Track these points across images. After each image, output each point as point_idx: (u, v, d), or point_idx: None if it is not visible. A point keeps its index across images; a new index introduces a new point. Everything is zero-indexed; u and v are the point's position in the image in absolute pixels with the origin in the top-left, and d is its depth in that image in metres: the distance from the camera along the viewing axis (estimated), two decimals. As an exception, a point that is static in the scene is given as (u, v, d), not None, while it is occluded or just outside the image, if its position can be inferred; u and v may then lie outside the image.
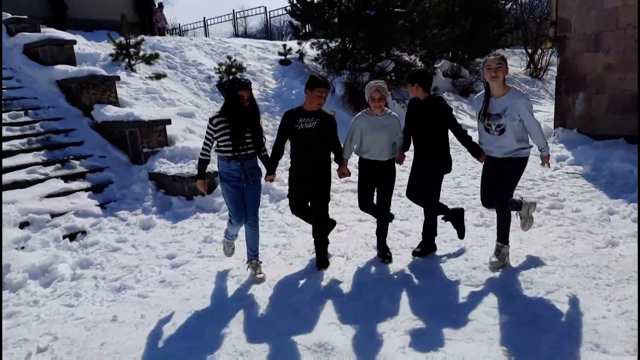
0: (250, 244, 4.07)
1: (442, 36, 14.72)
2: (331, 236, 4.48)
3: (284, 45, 13.54)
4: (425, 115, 4.04)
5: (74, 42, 8.38)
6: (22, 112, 6.93)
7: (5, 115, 6.69)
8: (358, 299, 3.59)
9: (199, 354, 2.98)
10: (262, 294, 3.77)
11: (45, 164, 6.07)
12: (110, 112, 6.86)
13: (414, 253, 4.29)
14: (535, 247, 4.33)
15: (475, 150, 3.98)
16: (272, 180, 4.19)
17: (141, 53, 9.95)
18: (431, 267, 4.09)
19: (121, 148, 6.82)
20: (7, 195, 5.29)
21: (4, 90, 7.32)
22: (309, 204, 4.23)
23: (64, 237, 5.01)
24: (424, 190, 4.19)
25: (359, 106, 11.32)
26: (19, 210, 5.09)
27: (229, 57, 11.71)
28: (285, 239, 4.97)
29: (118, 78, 7.71)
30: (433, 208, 4.23)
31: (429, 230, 4.29)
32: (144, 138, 6.53)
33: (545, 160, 3.92)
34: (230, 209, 3.98)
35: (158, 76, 9.94)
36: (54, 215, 5.27)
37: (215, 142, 3.87)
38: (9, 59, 8.21)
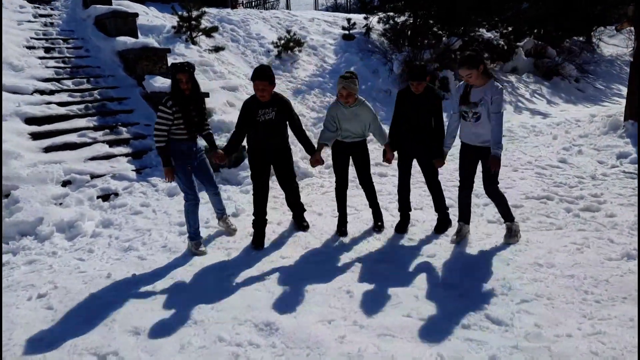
0: (217, 206, 4.67)
1: (533, 11, 13.55)
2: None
3: (348, 20, 13.32)
4: (420, 106, 4.23)
5: (136, 14, 8.93)
6: (85, 80, 7.62)
7: (69, 82, 7.41)
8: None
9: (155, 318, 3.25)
10: (253, 270, 3.97)
11: (95, 128, 6.68)
12: (157, 82, 7.31)
13: (436, 230, 4.60)
14: (539, 252, 4.06)
15: (439, 151, 4.27)
16: (219, 158, 4.27)
17: (202, 26, 10.37)
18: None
19: (165, 117, 7.28)
20: (56, 155, 5.94)
21: (73, 59, 8.09)
22: (278, 181, 4.64)
23: (98, 197, 5.56)
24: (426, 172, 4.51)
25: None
26: (63, 169, 5.70)
27: (288, 31, 11.82)
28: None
29: (169, 50, 8.16)
30: (437, 182, 4.53)
31: (441, 206, 4.59)
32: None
33: (492, 161, 3.84)
34: (186, 188, 4.26)
35: (217, 49, 10.33)
36: (93, 176, 5.84)
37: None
38: (82, 29, 9.00)
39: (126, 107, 7.36)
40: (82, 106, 7.03)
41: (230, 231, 4.68)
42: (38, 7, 9.46)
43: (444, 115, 4.39)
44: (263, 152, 4.31)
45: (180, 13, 10.05)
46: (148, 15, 10.83)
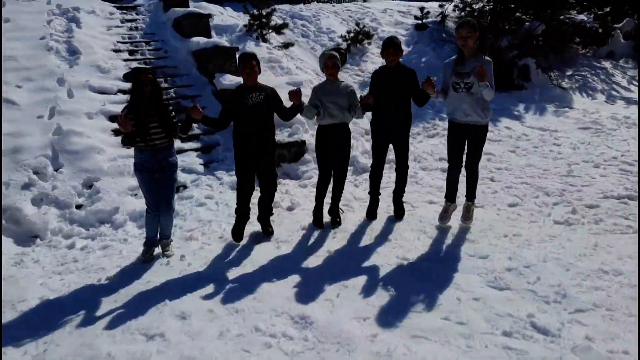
0: (162, 228, 4.30)
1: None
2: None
3: (422, 9, 12.91)
4: (396, 81, 4.39)
5: (210, 15, 9.41)
6: (163, 79, 8.19)
7: (149, 82, 8.01)
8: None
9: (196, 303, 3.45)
10: (285, 261, 4.07)
11: (169, 125, 7.16)
12: (226, 80, 7.66)
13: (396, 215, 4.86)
14: (607, 257, 3.71)
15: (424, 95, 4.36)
16: (194, 111, 4.01)
17: (272, 23, 10.64)
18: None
19: (232, 114, 7.63)
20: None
21: (153, 60, 8.73)
22: (257, 176, 4.52)
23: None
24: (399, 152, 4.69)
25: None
26: (110, 157, 6.17)
27: (358, 24, 11.75)
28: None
29: (237, 49, 8.49)
30: (406, 166, 4.81)
31: (401, 192, 4.92)
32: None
33: (479, 70, 3.79)
34: (147, 197, 4.09)
35: (286, 45, 10.57)
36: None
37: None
38: (162, 31, 9.66)
39: (199, 104, 7.78)
40: (158, 104, 7.55)
41: (165, 255, 4.29)
42: (125, 13, 10.30)
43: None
44: (249, 140, 4.22)
45: (251, 12, 10.40)
46: (223, 15, 11.33)
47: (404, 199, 5.02)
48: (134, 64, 8.41)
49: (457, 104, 4.15)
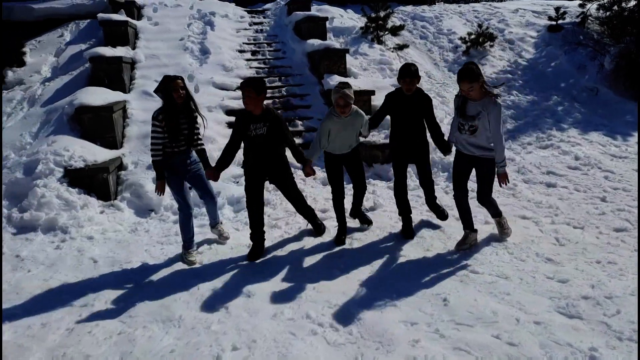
0: (211, 215, 4.63)
1: None
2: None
3: (557, 9, 11.85)
4: (411, 108, 4.36)
5: (327, 18, 9.80)
6: (277, 78, 8.81)
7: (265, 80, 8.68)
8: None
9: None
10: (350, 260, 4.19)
11: (277, 121, 7.71)
12: (333, 81, 7.95)
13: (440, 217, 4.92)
14: (633, 285, 3.16)
15: (446, 147, 4.43)
16: (211, 177, 4.18)
17: (389, 25, 10.70)
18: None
19: (336, 113, 7.92)
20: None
21: (271, 60, 9.41)
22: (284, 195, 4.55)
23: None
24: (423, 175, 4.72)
25: (635, 84, 9.17)
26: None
27: (480, 25, 11.22)
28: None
29: (347, 51, 8.73)
30: (432, 181, 4.80)
31: (433, 198, 4.89)
32: (350, 106, 7.38)
33: (501, 178, 4.06)
34: (179, 199, 4.21)
35: (401, 47, 10.55)
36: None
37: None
38: (284, 34, 10.34)
39: (306, 103, 8.24)
40: (270, 101, 8.16)
41: (222, 239, 4.63)
42: (254, 17, 11.22)
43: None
44: (257, 167, 4.20)
45: (368, 14, 10.58)
46: (343, 18, 11.69)
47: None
48: (255, 64, 9.17)
49: (460, 141, 4.12)
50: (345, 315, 3.28)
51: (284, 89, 8.54)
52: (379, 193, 5.95)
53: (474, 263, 4.00)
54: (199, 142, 4.31)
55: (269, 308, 3.42)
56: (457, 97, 4.10)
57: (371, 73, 9.09)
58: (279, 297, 3.57)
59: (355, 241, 4.62)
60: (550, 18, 11.96)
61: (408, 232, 4.66)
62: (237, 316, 3.33)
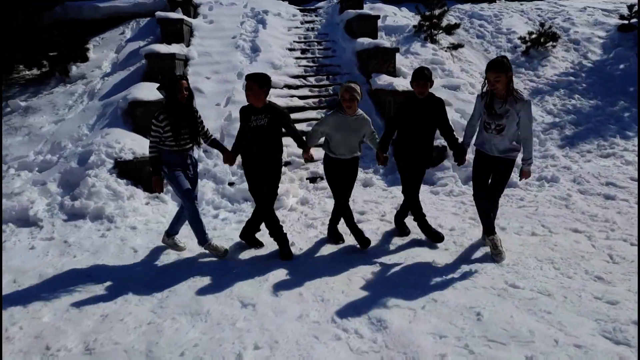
0: (179, 223, 4.48)
1: None
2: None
3: (630, 7, 11.01)
4: (425, 112, 4.23)
5: (378, 17, 9.64)
6: (325, 77, 8.78)
7: (312, 79, 8.68)
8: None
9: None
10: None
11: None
12: (381, 80, 7.82)
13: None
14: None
15: (460, 151, 4.33)
16: (228, 160, 4.32)
17: (443, 24, 10.37)
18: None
19: (382, 114, 7.77)
20: (285, 140, 7.13)
21: (320, 58, 9.39)
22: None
23: (307, 178, 6.46)
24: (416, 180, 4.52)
25: None
26: (287, 152, 6.80)
27: (542, 24, 10.63)
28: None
29: (397, 50, 8.54)
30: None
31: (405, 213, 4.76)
32: (395, 107, 7.22)
33: (524, 174, 4.09)
34: (183, 190, 4.15)
35: (455, 46, 10.20)
36: (308, 160, 6.78)
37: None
38: (335, 32, 10.29)
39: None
40: (316, 100, 8.15)
41: (176, 248, 4.51)
42: (306, 15, 11.26)
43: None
44: (254, 161, 4.21)
45: (422, 12, 10.31)
46: (396, 16, 11.48)
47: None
48: (303, 62, 9.19)
49: (485, 141, 4.04)
50: (372, 322, 3.18)
51: (331, 87, 8.50)
52: (422, 197, 5.71)
53: (515, 277, 3.77)
54: (208, 134, 4.46)
55: (295, 309, 3.38)
56: (479, 96, 4.04)
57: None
58: (306, 299, 3.52)
59: (392, 246, 4.50)
60: (621, 17, 11.14)
61: (432, 235, 4.55)
62: (263, 315, 3.32)
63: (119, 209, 5.24)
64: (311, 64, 9.12)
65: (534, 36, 10.29)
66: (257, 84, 4.03)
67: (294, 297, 3.55)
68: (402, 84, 7.49)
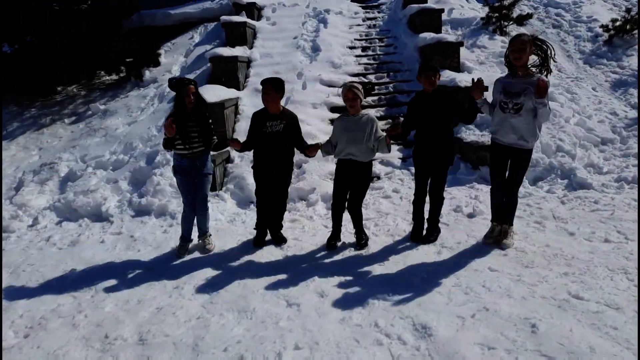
0: (200, 225, 4.55)
1: None
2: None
3: None
4: (435, 107, 4.12)
5: (442, 10, 9.29)
6: (385, 74, 8.63)
7: (372, 77, 8.57)
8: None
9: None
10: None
11: (380, 118, 7.55)
12: (442, 76, 7.53)
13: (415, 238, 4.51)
14: None
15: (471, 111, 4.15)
16: (234, 143, 4.31)
17: (514, 14, 9.79)
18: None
19: (443, 110, 7.50)
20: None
21: (382, 55, 9.24)
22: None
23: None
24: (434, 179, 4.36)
25: None
26: None
27: (628, 10, 9.69)
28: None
29: (461, 44, 8.17)
30: (442, 197, 4.46)
31: (436, 216, 4.53)
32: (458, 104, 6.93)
33: (540, 83, 3.63)
34: (184, 198, 4.35)
35: (527, 38, 9.60)
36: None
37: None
38: (397, 28, 10.08)
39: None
40: (376, 98, 8.04)
41: (205, 250, 4.54)
42: (368, 12, 11.13)
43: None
44: (267, 166, 4.31)
45: (491, 3, 9.81)
46: (463, 9, 11.02)
47: None
48: (364, 60, 9.10)
49: (502, 123, 3.95)
50: (416, 328, 3.08)
51: (391, 85, 8.35)
52: (482, 199, 5.49)
53: (580, 287, 3.46)
54: (214, 137, 4.40)
55: (339, 310, 3.35)
56: (498, 81, 4.02)
57: (488, 67, 8.43)
58: (351, 300, 3.48)
59: (445, 249, 4.33)
60: None
61: (416, 236, 4.52)
62: (306, 315, 3.33)
63: (181, 206, 5.49)
64: (371, 62, 9.01)
65: (618, 23, 9.44)
66: (275, 89, 4.13)
67: (339, 299, 3.52)
68: (466, 79, 7.17)
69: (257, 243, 4.65)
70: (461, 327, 3.06)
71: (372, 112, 4.32)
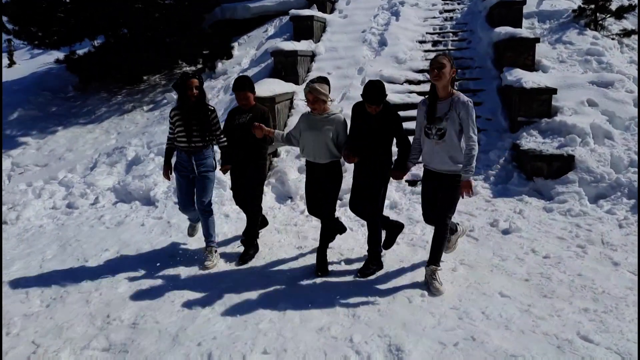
0: (203, 230, 4.39)
1: None
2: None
3: None
4: (375, 124, 3.76)
5: (523, 2, 8.48)
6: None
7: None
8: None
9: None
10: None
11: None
12: (512, 75, 6.94)
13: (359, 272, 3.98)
14: None
15: (402, 164, 3.83)
16: (225, 171, 4.44)
17: (613, 6, 8.65)
18: None
19: (508, 114, 6.91)
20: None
21: (452, 51, 8.74)
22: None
23: (406, 181, 6.15)
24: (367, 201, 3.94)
25: None
26: None
27: None
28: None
29: (537, 40, 7.41)
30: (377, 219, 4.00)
31: (374, 243, 4.02)
32: (522, 106, 6.36)
33: (464, 186, 3.45)
34: (178, 197, 4.45)
35: (628, 33, 8.46)
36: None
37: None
38: (474, 21, 9.44)
39: (477, 100, 7.42)
40: (437, 96, 7.63)
41: (202, 266, 4.23)
42: (447, 4, 10.55)
43: None
44: (237, 162, 4.37)
45: (586, -6, 8.76)
46: (559, 1, 9.96)
47: None
48: (432, 55, 8.67)
49: (429, 150, 3.64)
50: (390, 349, 2.94)
51: (457, 83, 7.86)
52: (527, 214, 5.02)
53: (596, 328, 3.04)
54: (221, 139, 4.34)
55: (321, 320, 3.31)
56: (422, 102, 3.70)
57: (569, 66, 7.57)
58: (337, 311, 3.42)
59: (462, 266, 4.05)
60: None
61: (386, 244, 4.21)
62: (288, 320, 3.34)
63: (219, 197, 5.77)
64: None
65: None
66: (236, 87, 4.24)
67: (326, 308, 3.47)
68: (533, 79, 6.54)
69: (246, 257, 4.43)
70: (438, 355, 2.87)
71: (342, 115, 3.98)
